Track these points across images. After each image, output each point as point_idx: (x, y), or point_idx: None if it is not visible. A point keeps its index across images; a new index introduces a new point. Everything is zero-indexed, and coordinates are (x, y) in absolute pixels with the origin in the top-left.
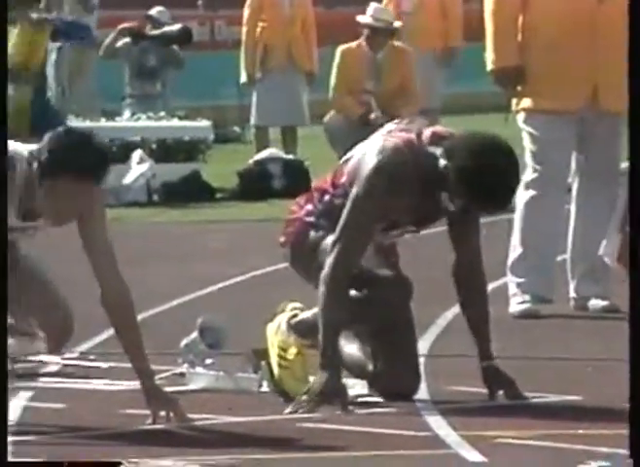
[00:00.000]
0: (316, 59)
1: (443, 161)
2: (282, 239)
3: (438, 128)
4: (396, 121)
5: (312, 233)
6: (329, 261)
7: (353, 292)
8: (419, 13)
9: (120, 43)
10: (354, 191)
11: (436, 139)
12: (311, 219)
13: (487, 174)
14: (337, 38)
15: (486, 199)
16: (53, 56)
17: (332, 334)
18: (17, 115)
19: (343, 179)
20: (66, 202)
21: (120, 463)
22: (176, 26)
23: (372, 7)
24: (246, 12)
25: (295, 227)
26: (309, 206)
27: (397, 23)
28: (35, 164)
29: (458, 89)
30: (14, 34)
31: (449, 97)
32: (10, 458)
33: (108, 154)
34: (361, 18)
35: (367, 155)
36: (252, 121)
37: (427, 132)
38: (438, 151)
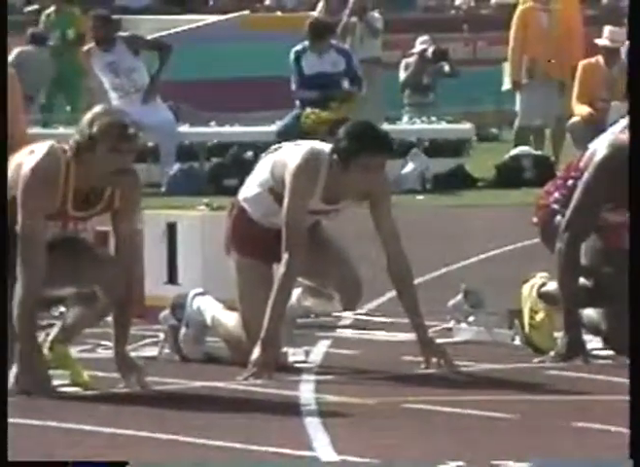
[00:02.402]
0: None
1: None
2: (535, 220)
3: None
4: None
5: (558, 217)
6: (562, 237)
7: (587, 263)
8: None
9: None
10: (585, 176)
11: None
12: (557, 206)
13: None
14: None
15: None
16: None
17: (572, 301)
18: None
19: (581, 165)
20: (364, 187)
21: (126, 463)
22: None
23: (607, 29)
24: (513, 28)
25: (544, 211)
26: (556, 194)
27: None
28: (335, 157)
29: None
30: None
31: None
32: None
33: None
34: (599, 41)
35: (599, 148)
36: (517, 122)
37: None
38: None
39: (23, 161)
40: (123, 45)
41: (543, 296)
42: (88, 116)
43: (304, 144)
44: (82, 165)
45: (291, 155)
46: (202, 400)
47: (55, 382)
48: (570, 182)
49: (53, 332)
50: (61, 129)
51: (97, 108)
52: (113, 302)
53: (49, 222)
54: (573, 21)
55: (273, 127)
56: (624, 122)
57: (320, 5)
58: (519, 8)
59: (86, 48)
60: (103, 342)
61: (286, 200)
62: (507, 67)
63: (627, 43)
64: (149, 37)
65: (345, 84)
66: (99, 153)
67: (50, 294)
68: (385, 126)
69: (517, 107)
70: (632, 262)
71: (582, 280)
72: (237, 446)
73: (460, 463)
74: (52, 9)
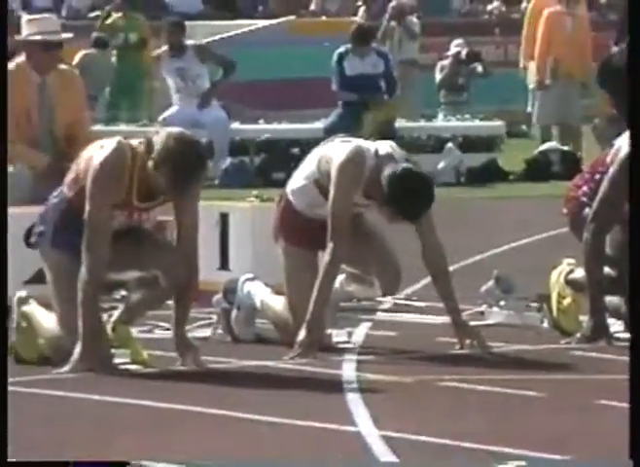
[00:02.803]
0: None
1: None
2: (564, 211)
3: None
4: None
5: (587, 209)
6: (589, 227)
7: (611, 253)
8: None
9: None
10: (611, 171)
11: None
12: (585, 199)
13: None
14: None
15: None
16: None
17: (597, 288)
18: None
19: (607, 161)
20: None
21: (127, 463)
22: None
23: None
24: (540, 30)
25: (573, 203)
26: (585, 188)
27: None
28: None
29: None
30: None
31: None
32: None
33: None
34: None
35: (623, 145)
36: (535, 120)
37: None
38: None
39: (93, 154)
40: (192, 52)
41: (570, 282)
42: (164, 135)
43: (350, 141)
44: (147, 169)
45: (337, 150)
46: (252, 378)
47: (117, 361)
48: (597, 176)
49: (116, 313)
50: (123, 127)
51: (175, 132)
52: (174, 286)
53: (115, 211)
54: (590, 26)
55: (317, 125)
56: None
57: (361, 10)
58: (546, 11)
59: (156, 52)
60: (161, 324)
61: (332, 193)
62: (532, 67)
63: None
64: (217, 51)
65: (382, 85)
66: (166, 173)
67: (113, 278)
68: (422, 124)
69: (535, 106)
70: (632, 261)
71: (606, 269)
72: (285, 421)
73: (522, 463)
74: (116, 14)
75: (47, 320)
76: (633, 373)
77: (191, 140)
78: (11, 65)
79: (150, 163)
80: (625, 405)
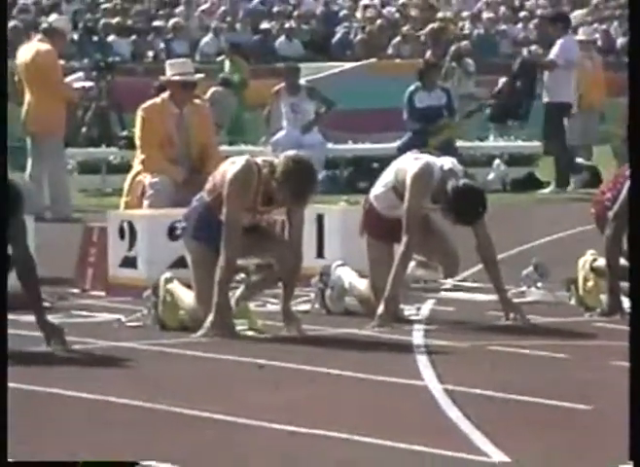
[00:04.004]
0: (605, 104)
1: None
2: (592, 211)
3: None
4: None
5: (610, 212)
6: (611, 226)
7: (627, 247)
8: None
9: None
10: (629, 182)
11: None
12: (609, 203)
13: None
14: None
15: None
16: None
17: (615, 274)
18: None
19: (626, 174)
20: None
21: (136, 463)
22: None
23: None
24: None
25: (600, 206)
26: (609, 194)
27: None
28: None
29: None
30: None
31: None
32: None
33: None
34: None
35: None
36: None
37: None
38: None
39: (227, 169)
40: (304, 91)
41: (593, 269)
42: (283, 159)
43: (422, 157)
44: (269, 183)
45: (411, 165)
46: (341, 342)
47: (238, 328)
48: (618, 186)
49: (238, 292)
50: (242, 146)
51: (293, 156)
52: (283, 271)
53: (244, 213)
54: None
55: (393, 145)
56: None
57: (428, 53)
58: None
59: (275, 88)
60: (271, 300)
61: (406, 198)
62: None
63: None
64: (321, 91)
65: (445, 114)
66: (287, 188)
67: (238, 264)
68: (476, 144)
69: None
70: (632, 261)
71: (622, 260)
72: (368, 376)
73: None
74: (227, 58)
75: (186, 296)
76: (633, 374)
77: (306, 163)
78: (157, 99)
79: (274, 182)
80: None
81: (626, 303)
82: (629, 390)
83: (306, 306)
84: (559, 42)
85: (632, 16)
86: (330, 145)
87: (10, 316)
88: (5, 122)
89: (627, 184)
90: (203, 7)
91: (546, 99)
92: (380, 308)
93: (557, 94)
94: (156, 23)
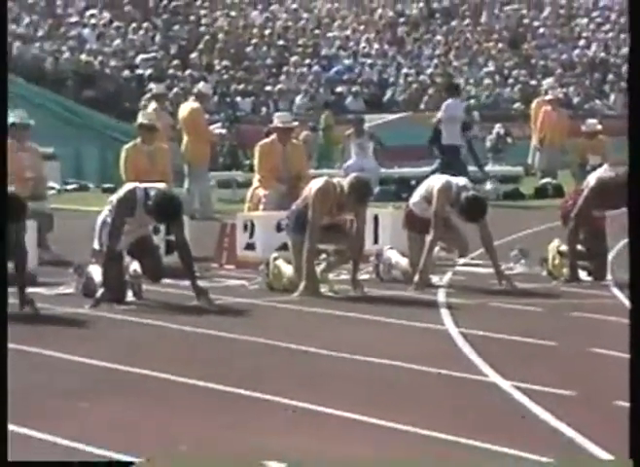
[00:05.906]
0: (565, 142)
1: None
2: (559, 213)
3: None
4: None
5: (571, 214)
6: (570, 224)
7: (582, 237)
8: None
9: None
10: (584, 193)
11: None
12: (570, 208)
13: None
14: None
15: None
16: None
17: (573, 255)
18: None
19: (582, 188)
20: None
21: (131, 463)
22: None
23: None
24: (539, 121)
25: (564, 210)
26: (570, 202)
27: None
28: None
29: None
30: None
31: None
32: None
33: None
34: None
35: (590, 180)
36: (536, 167)
37: None
38: None
39: (313, 186)
40: (367, 134)
41: (559, 252)
42: (349, 179)
43: (444, 177)
44: (342, 195)
45: (437, 182)
46: (390, 300)
47: (321, 290)
48: (576, 197)
49: (321, 266)
50: (325, 170)
51: (356, 176)
52: (353, 253)
53: (324, 216)
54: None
55: (425, 168)
56: (605, 166)
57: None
58: (543, 108)
59: (348, 132)
60: (343, 272)
61: (433, 204)
62: (534, 139)
63: (628, 48)
64: (378, 135)
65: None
66: (354, 198)
67: (322, 248)
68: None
69: (535, 159)
70: (632, 261)
71: (579, 246)
72: (403, 322)
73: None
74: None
75: (287, 269)
76: (633, 372)
77: (365, 181)
78: (268, 140)
79: (344, 194)
80: (594, 316)
81: (582, 275)
82: (629, 388)
83: (367, 276)
84: (445, 103)
85: (632, 15)
86: (382, 169)
87: (170, 281)
88: (5, 122)
89: (583, 194)
90: (297, 75)
91: (443, 142)
92: (416, 278)
93: (450, 139)
94: (267, 88)
